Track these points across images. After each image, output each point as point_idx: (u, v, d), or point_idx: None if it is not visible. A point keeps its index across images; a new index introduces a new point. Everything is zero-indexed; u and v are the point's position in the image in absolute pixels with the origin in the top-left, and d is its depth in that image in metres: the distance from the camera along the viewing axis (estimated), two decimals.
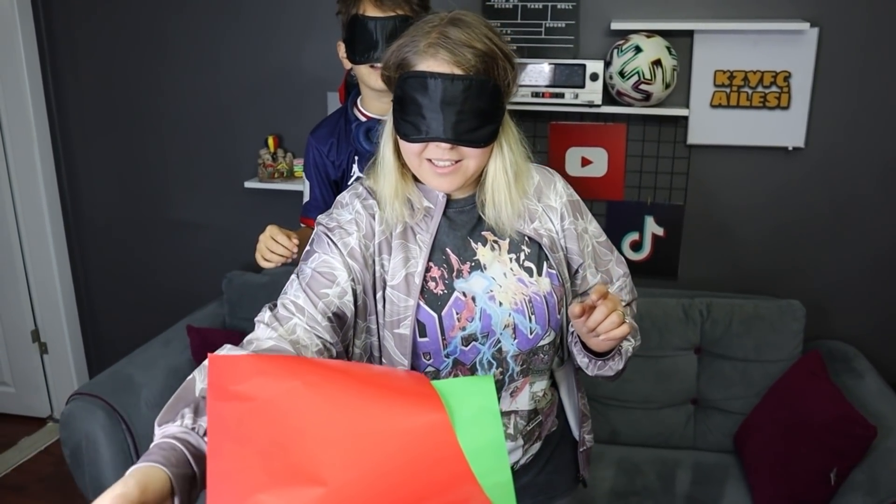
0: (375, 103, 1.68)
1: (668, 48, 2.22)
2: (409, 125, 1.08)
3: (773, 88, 2.29)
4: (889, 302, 2.39)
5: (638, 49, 2.20)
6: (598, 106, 2.33)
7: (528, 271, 1.18)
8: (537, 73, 2.36)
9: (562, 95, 2.36)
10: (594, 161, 2.50)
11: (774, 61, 2.27)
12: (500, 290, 1.16)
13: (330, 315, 1.05)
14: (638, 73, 2.20)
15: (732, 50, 2.29)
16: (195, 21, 2.71)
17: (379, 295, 1.13)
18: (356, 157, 1.70)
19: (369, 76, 1.60)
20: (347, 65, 1.69)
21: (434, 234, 1.15)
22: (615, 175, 2.51)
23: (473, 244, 1.18)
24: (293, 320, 1.03)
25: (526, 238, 1.19)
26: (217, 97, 2.77)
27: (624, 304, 1.27)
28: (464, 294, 1.15)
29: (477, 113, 1.06)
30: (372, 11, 1.56)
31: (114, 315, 3.16)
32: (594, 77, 2.31)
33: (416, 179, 1.17)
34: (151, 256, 3.04)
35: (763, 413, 2.19)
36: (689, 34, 2.31)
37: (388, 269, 1.13)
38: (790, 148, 2.33)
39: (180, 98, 2.82)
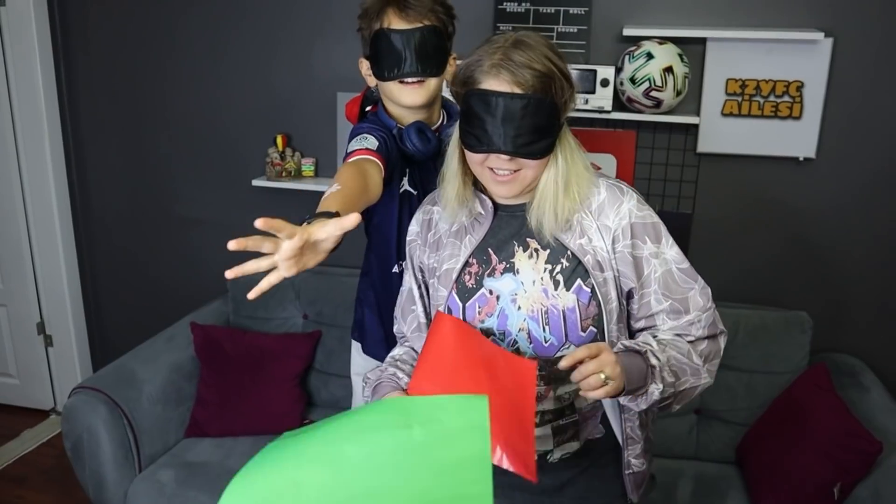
0: (408, 118, 1.58)
1: (680, 55, 2.21)
2: (473, 137, 1.18)
3: (786, 98, 2.28)
4: None
5: (650, 56, 2.19)
6: (608, 112, 2.32)
7: (556, 284, 1.23)
8: None
9: None
10: (603, 167, 2.49)
11: (787, 71, 2.25)
12: (524, 294, 1.24)
13: (418, 324, 1.39)
14: (649, 79, 2.19)
15: (745, 58, 2.27)
16: (205, 20, 2.72)
17: (431, 281, 1.33)
18: (406, 170, 1.63)
19: (401, 92, 1.53)
20: (372, 82, 1.61)
21: (482, 237, 1.27)
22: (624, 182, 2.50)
23: (515, 247, 1.26)
24: (406, 341, 1.43)
25: (569, 252, 1.23)
26: (226, 95, 2.77)
27: (691, 339, 1.24)
28: (490, 292, 1.26)
29: (534, 128, 1.14)
30: (397, 24, 1.49)
31: (118, 310, 3.17)
32: (605, 83, 2.29)
33: (475, 185, 1.27)
34: (157, 253, 3.04)
35: (767, 425, 2.17)
36: (702, 42, 2.30)
37: (438, 263, 1.31)
38: (801, 158, 2.32)
39: (190, 96, 2.82)
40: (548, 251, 1.24)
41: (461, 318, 1.28)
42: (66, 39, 2.90)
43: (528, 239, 1.26)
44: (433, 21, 1.51)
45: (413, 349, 1.41)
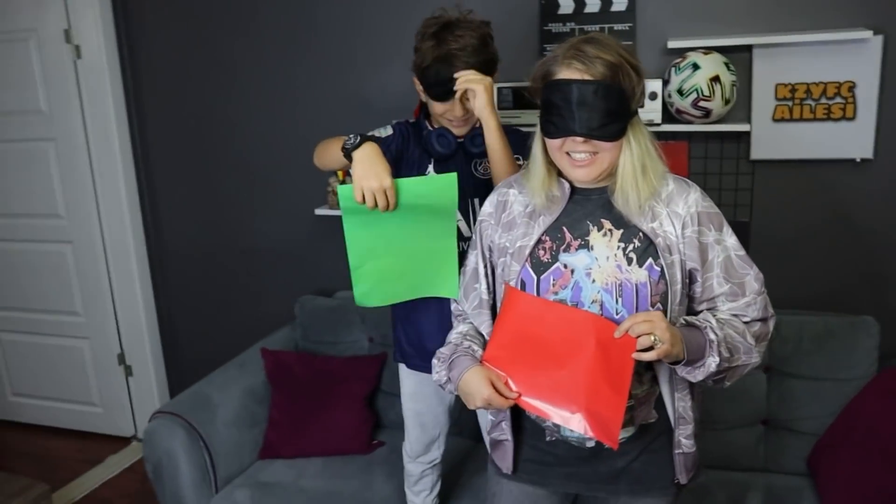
0: (451, 129, 1.81)
1: (726, 64, 2.21)
2: (550, 125, 1.31)
3: (838, 99, 2.25)
4: None
5: (696, 66, 2.20)
6: (658, 125, 2.33)
7: (629, 260, 1.33)
8: None
9: None
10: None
11: (837, 72, 2.23)
12: (598, 269, 1.33)
13: (479, 301, 1.50)
14: (696, 90, 2.20)
15: (793, 62, 2.26)
16: (269, 55, 2.87)
17: (501, 260, 1.43)
18: (432, 160, 1.82)
19: (443, 115, 1.76)
20: (423, 97, 1.80)
21: (555, 217, 1.37)
22: None
23: (590, 226, 1.36)
24: (468, 319, 1.55)
25: (641, 233, 1.33)
26: (289, 128, 2.90)
27: (746, 319, 1.36)
28: (565, 266, 1.35)
29: (606, 112, 1.25)
30: (444, 67, 1.68)
31: (192, 339, 3.32)
32: (653, 96, 2.31)
33: (559, 175, 1.39)
34: (228, 282, 3.18)
35: (838, 434, 2.12)
36: (748, 49, 2.29)
37: (510, 242, 1.41)
38: (858, 160, 2.28)
39: (252, 132, 2.97)
40: (621, 230, 1.34)
41: (535, 290, 1.37)
42: (136, 84, 3.09)
43: (601, 219, 1.36)
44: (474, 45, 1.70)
45: (474, 325, 1.53)
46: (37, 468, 3.08)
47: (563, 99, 1.27)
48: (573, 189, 1.39)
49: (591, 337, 1.26)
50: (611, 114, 1.25)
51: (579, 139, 1.28)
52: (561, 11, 2.48)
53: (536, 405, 1.31)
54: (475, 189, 1.82)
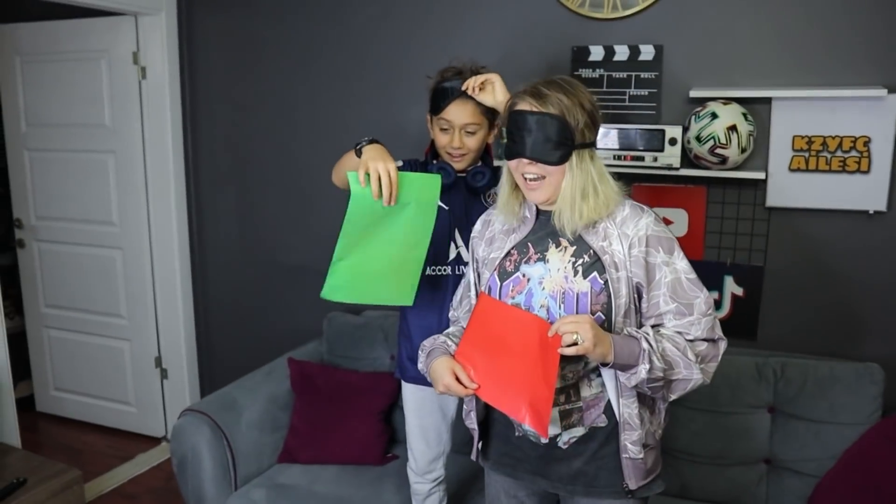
0: (451, 163, 2.01)
1: (744, 114, 2.32)
2: (507, 149, 1.52)
3: (853, 153, 2.33)
4: None
5: (714, 115, 2.31)
6: (677, 169, 2.44)
7: (575, 272, 1.49)
8: (621, 136, 2.50)
9: (642, 158, 2.49)
10: (675, 221, 2.59)
11: (853, 126, 2.32)
12: (549, 278, 1.51)
13: (470, 307, 1.70)
14: (714, 137, 2.31)
15: (810, 115, 2.35)
16: (318, 85, 3.07)
17: (482, 270, 1.64)
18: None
19: (445, 147, 1.98)
20: (433, 135, 2.04)
21: (524, 235, 1.58)
22: (695, 235, 2.58)
23: (549, 243, 1.54)
24: (459, 322, 1.77)
25: (591, 250, 1.50)
26: (328, 151, 3.03)
27: (690, 337, 1.48)
28: (523, 275, 1.55)
29: (548, 139, 1.45)
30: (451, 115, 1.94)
31: (226, 347, 3.48)
32: (672, 142, 2.43)
33: (525, 197, 1.57)
34: (263, 295, 3.35)
35: (838, 477, 2.16)
36: (768, 101, 2.40)
37: (488, 254, 1.63)
38: (871, 212, 2.35)
39: (296, 153, 3.16)
40: (574, 247, 1.51)
41: (497, 294, 1.57)
42: (193, 106, 3.33)
43: (560, 238, 1.53)
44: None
45: (463, 327, 1.69)
46: (72, 459, 3.24)
47: (516, 126, 1.48)
48: (539, 211, 1.58)
49: (535, 336, 1.41)
50: (554, 142, 1.44)
51: (525, 161, 1.47)
52: (591, 58, 2.62)
53: (492, 397, 1.47)
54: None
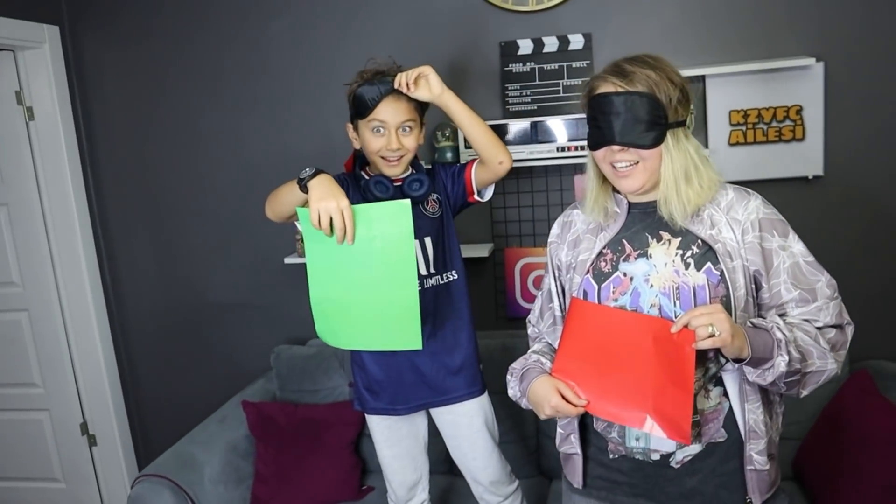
0: (386, 170, 1.89)
1: None
2: (592, 137, 1.38)
3: (787, 122, 2.41)
4: None
5: None
6: None
7: (686, 265, 1.35)
8: (557, 128, 2.47)
9: (582, 148, 2.47)
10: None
11: (785, 96, 2.39)
12: (656, 275, 1.36)
13: (553, 318, 1.56)
14: None
15: (744, 89, 2.41)
16: (225, 110, 2.88)
17: (568, 276, 1.49)
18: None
19: (378, 151, 1.85)
20: (356, 144, 1.92)
21: (616, 231, 1.43)
22: None
23: (648, 238, 1.40)
24: (543, 338, 1.61)
25: (699, 240, 1.36)
26: (249, 179, 2.89)
27: (819, 325, 1.35)
28: (624, 274, 1.39)
29: (638, 120, 1.31)
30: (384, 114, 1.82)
31: (160, 401, 3.20)
32: None
33: (614, 191, 1.44)
34: (195, 339, 3.10)
35: (820, 436, 2.21)
36: (701, 79, 2.44)
37: (574, 257, 1.48)
38: (810, 177, 2.43)
39: (212, 183, 2.95)
40: (679, 238, 1.37)
41: (596, 298, 1.41)
42: (91, 145, 3.04)
43: (660, 231, 1.39)
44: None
45: (549, 343, 1.55)
46: None
47: (600, 111, 1.34)
48: (630, 204, 1.44)
49: (649, 337, 1.28)
50: (644, 122, 1.31)
51: (616, 147, 1.34)
52: (521, 52, 2.58)
53: (605, 411, 1.32)
54: (427, 228, 1.90)
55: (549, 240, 1.59)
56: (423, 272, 1.89)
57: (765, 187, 2.46)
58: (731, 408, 1.38)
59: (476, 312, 2.06)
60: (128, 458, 3.21)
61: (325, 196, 1.55)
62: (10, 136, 2.95)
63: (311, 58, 2.76)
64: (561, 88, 2.58)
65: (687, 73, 2.37)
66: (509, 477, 2.07)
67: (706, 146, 2.47)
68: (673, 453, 1.38)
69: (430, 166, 2.05)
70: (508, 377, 1.51)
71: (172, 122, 2.95)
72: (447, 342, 1.94)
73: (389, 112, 1.81)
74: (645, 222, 1.41)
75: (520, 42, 2.57)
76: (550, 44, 2.56)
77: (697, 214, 1.36)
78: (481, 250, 2.58)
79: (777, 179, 2.47)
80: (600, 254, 1.43)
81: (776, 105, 2.41)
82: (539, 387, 1.38)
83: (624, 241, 1.42)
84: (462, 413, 1.98)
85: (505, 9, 2.57)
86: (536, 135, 2.48)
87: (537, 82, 2.59)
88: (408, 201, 1.55)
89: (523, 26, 2.58)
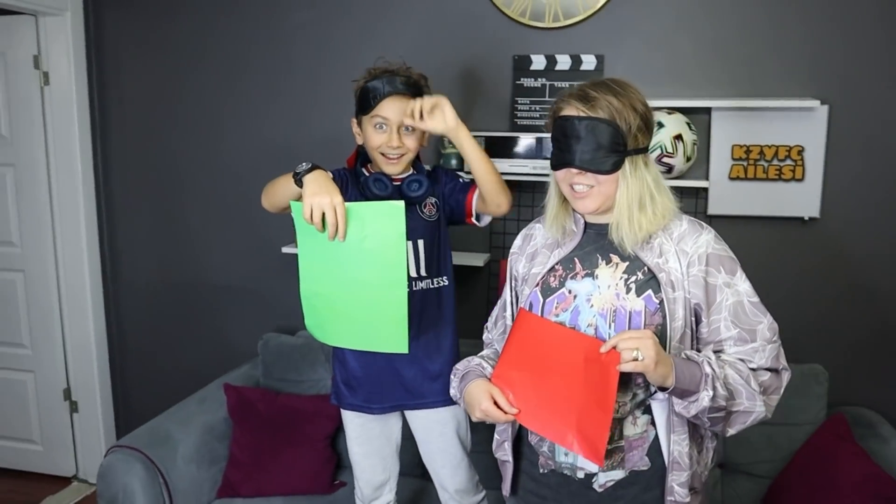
0: (385, 167, 1.90)
1: (688, 124, 2.36)
2: (554, 157, 1.40)
3: (788, 161, 2.42)
4: None
5: (660, 125, 2.34)
6: None
7: (628, 289, 1.37)
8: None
9: None
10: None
11: (788, 136, 2.41)
12: (598, 295, 1.39)
13: (505, 328, 1.59)
14: (661, 146, 2.33)
15: (748, 125, 2.43)
16: (239, 94, 2.91)
17: (521, 287, 1.52)
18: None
19: (379, 147, 1.86)
20: (360, 140, 1.94)
21: (571, 249, 1.46)
22: None
23: (599, 259, 1.43)
24: (493, 345, 1.66)
25: (646, 267, 1.38)
26: (257, 165, 2.91)
27: (753, 365, 1.35)
28: (569, 291, 1.42)
29: (598, 146, 1.33)
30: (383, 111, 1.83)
31: (146, 376, 3.22)
32: None
33: (575, 211, 1.47)
34: (186, 318, 3.13)
35: (791, 476, 2.22)
36: (707, 111, 2.46)
37: (528, 270, 1.52)
38: (806, 218, 2.45)
39: (221, 168, 2.98)
40: (626, 263, 1.39)
41: (540, 311, 1.43)
42: (103, 115, 3.07)
43: (611, 254, 1.42)
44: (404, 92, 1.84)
45: (497, 350, 1.58)
46: None
47: (562, 133, 1.36)
48: (587, 224, 1.47)
49: (582, 355, 1.29)
50: (603, 148, 1.33)
51: (574, 170, 1.36)
52: (533, 67, 2.60)
53: (534, 423, 1.34)
54: (422, 231, 1.91)
55: (511, 251, 1.62)
56: (413, 274, 1.89)
57: (760, 224, 2.49)
58: (656, 437, 1.39)
59: (466, 320, 2.07)
60: (107, 428, 3.23)
61: (319, 192, 1.56)
62: (23, 98, 2.99)
63: (327, 53, 2.79)
64: None
65: (693, 104, 2.41)
66: (476, 487, 2.08)
67: (707, 177, 2.49)
68: (596, 474, 1.40)
69: (430, 168, 2.06)
70: (451, 377, 1.55)
71: (186, 102, 2.98)
72: (429, 347, 1.95)
73: (392, 109, 1.82)
74: (598, 243, 1.44)
75: (533, 57, 2.60)
76: (563, 61, 2.58)
77: (648, 242, 1.39)
78: (476, 259, 2.60)
79: (773, 217, 2.48)
80: (552, 269, 1.46)
81: (778, 143, 2.42)
82: (474, 389, 1.41)
83: (576, 259, 1.45)
84: (436, 420, 1.99)
85: (521, 23, 2.59)
86: (542, 150, 2.50)
87: (547, 98, 2.61)
88: (401, 203, 1.55)
89: (538, 42, 2.60)
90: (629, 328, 1.33)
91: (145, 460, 2.23)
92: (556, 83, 2.59)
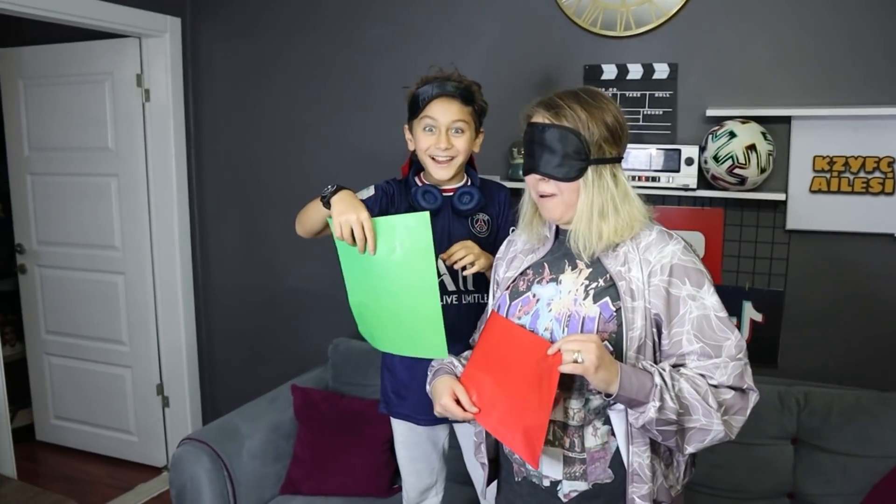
0: (434, 171, 1.89)
1: (763, 134, 2.25)
2: (524, 164, 1.43)
3: (877, 174, 2.26)
4: None
5: (732, 134, 2.25)
6: (694, 189, 2.37)
7: (586, 295, 1.37)
8: (634, 157, 2.43)
9: (657, 179, 2.42)
10: (692, 244, 2.50)
11: (877, 147, 2.24)
12: (558, 300, 1.39)
13: None
14: (732, 157, 2.24)
15: (832, 135, 2.28)
16: (322, 107, 3.03)
17: (498, 291, 1.55)
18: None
19: (428, 150, 1.85)
20: (411, 146, 1.93)
21: (543, 254, 1.48)
22: (712, 259, 2.50)
23: (566, 265, 1.43)
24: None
25: (608, 274, 1.37)
26: (336, 176, 2.98)
27: (713, 382, 1.30)
28: (534, 295, 1.44)
29: (563, 154, 1.35)
30: (436, 111, 1.83)
31: (230, 374, 3.40)
32: (689, 161, 2.36)
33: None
34: (267, 321, 3.28)
35: None
36: (787, 120, 2.33)
37: (505, 273, 1.55)
38: None
39: (303, 180, 3.11)
40: (590, 270, 1.40)
41: (505, 313, 1.47)
42: (197, 129, 3.28)
43: (577, 260, 1.42)
44: (464, 117, 1.85)
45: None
46: (71, 490, 3.15)
47: (530, 139, 1.40)
48: (558, 230, 1.49)
49: (534, 357, 1.29)
50: (567, 156, 1.35)
51: (537, 177, 1.39)
52: (604, 77, 2.56)
53: (490, 423, 1.36)
54: None
55: (496, 256, 1.65)
56: (451, 288, 1.90)
57: (844, 241, 2.34)
58: (618, 449, 1.35)
59: None
60: (195, 422, 3.43)
61: (346, 210, 1.60)
62: (127, 114, 3.23)
63: (401, 67, 2.85)
64: (641, 117, 2.53)
65: (772, 112, 2.29)
66: None
67: (785, 190, 2.35)
68: (560, 482, 1.39)
69: (482, 180, 2.06)
70: (428, 372, 1.59)
71: (273, 116, 3.13)
72: None
73: (440, 110, 1.82)
74: (566, 249, 1.45)
75: (604, 66, 2.56)
76: (635, 71, 2.52)
77: (614, 250, 1.37)
78: None
79: (859, 233, 2.31)
80: (523, 273, 1.49)
81: (866, 154, 2.26)
82: (439, 384, 1.45)
83: (545, 264, 1.47)
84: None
85: (592, 32, 2.56)
86: None
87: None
88: (426, 213, 1.54)
89: (609, 51, 2.56)
90: (581, 332, 1.33)
91: (212, 453, 2.34)
92: (627, 93, 2.54)
